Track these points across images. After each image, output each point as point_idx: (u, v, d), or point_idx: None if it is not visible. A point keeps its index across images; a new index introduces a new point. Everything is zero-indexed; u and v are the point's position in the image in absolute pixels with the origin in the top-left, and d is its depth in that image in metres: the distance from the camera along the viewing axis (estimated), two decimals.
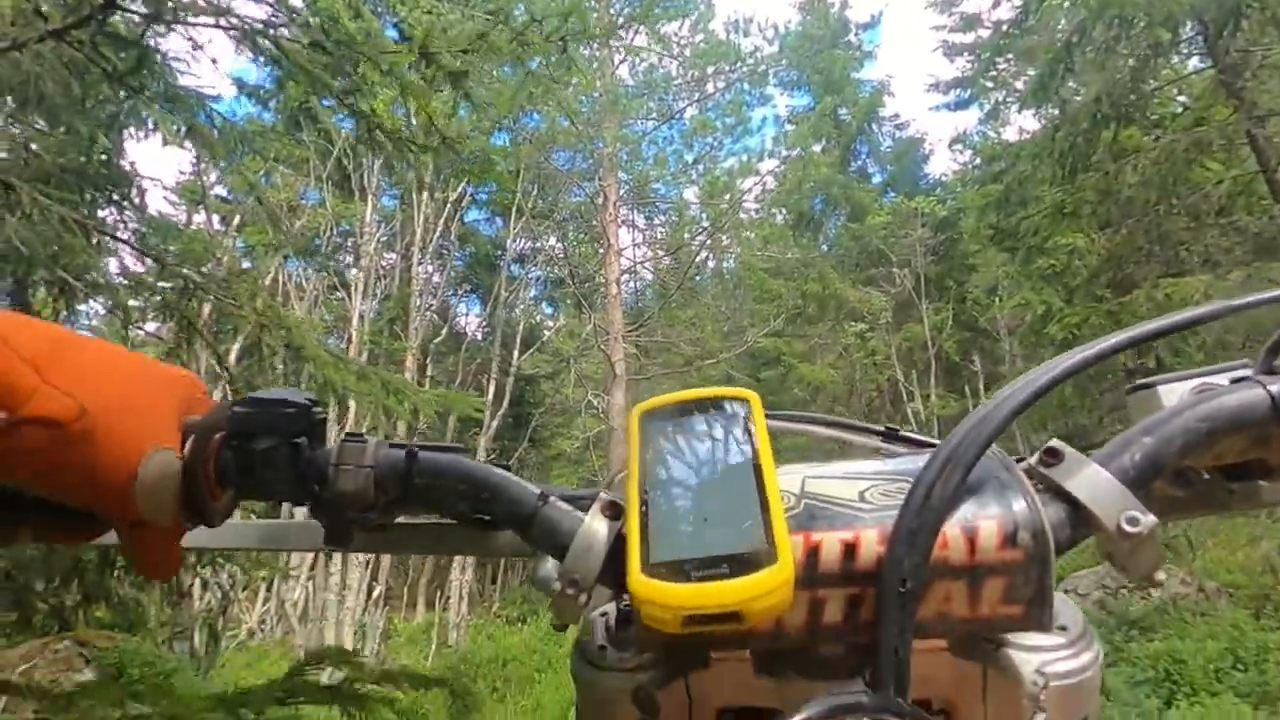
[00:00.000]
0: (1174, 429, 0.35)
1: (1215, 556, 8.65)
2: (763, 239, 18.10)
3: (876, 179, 20.84)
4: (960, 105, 19.11)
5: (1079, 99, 6.82)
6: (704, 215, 10.72)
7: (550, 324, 17.37)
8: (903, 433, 0.51)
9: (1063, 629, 0.37)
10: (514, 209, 9.05)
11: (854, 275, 17.86)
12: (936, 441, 0.44)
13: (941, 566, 0.32)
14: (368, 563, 6.91)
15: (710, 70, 9.70)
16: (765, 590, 0.29)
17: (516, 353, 9.77)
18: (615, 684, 0.37)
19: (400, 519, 0.44)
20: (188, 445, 0.37)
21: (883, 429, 0.51)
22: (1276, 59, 5.31)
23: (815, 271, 17.79)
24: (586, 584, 0.35)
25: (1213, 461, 0.39)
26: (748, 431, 0.36)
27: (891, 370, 16.49)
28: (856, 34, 20.06)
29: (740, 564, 0.30)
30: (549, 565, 0.37)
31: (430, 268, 11.22)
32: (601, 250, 9.93)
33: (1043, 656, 0.36)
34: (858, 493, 0.35)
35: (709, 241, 10.31)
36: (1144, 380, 0.42)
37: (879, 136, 21.05)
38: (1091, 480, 0.34)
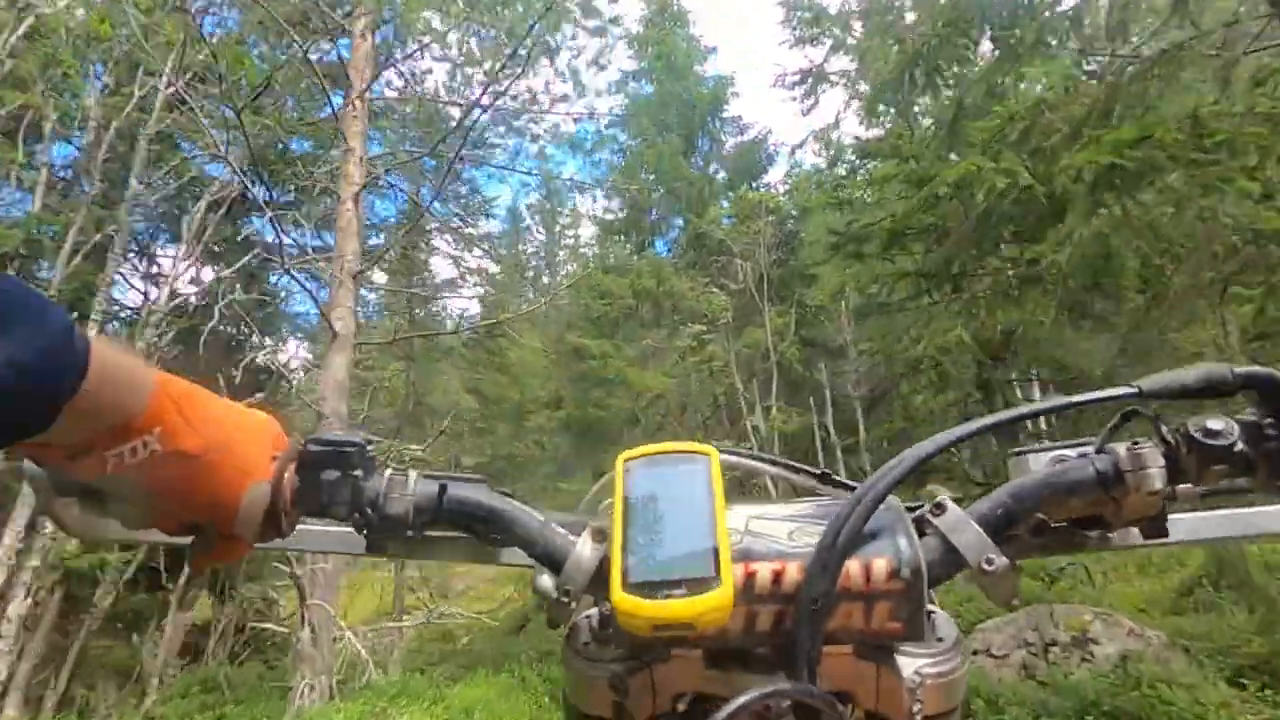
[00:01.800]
0: (1026, 492, 0.46)
1: (1118, 590, 7.05)
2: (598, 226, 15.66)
3: (720, 178, 19.27)
4: (806, 101, 18.11)
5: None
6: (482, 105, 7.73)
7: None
8: (833, 476, 0.60)
9: (940, 640, 0.46)
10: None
11: (693, 274, 15.94)
12: (855, 485, 0.51)
13: (845, 592, 0.42)
14: None
15: None
16: (712, 608, 0.39)
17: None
18: (597, 672, 0.46)
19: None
20: (274, 472, 0.47)
21: (818, 471, 0.60)
22: None
23: (647, 262, 15.75)
24: (577, 594, 0.45)
25: (1066, 515, 0.48)
26: (708, 480, 0.45)
27: (731, 379, 14.54)
28: None
29: (695, 586, 0.39)
30: (545, 577, 0.47)
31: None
32: (340, 152, 6.75)
33: (921, 661, 0.44)
34: (787, 533, 0.44)
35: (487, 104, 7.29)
36: (1020, 449, 0.51)
37: (722, 135, 19.64)
38: (963, 529, 0.45)
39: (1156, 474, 0.44)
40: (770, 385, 14.40)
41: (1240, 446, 0.44)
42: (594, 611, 0.48)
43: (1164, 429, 0.46)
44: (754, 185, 19.04)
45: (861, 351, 14.25)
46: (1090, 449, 0.47)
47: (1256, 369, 0.44)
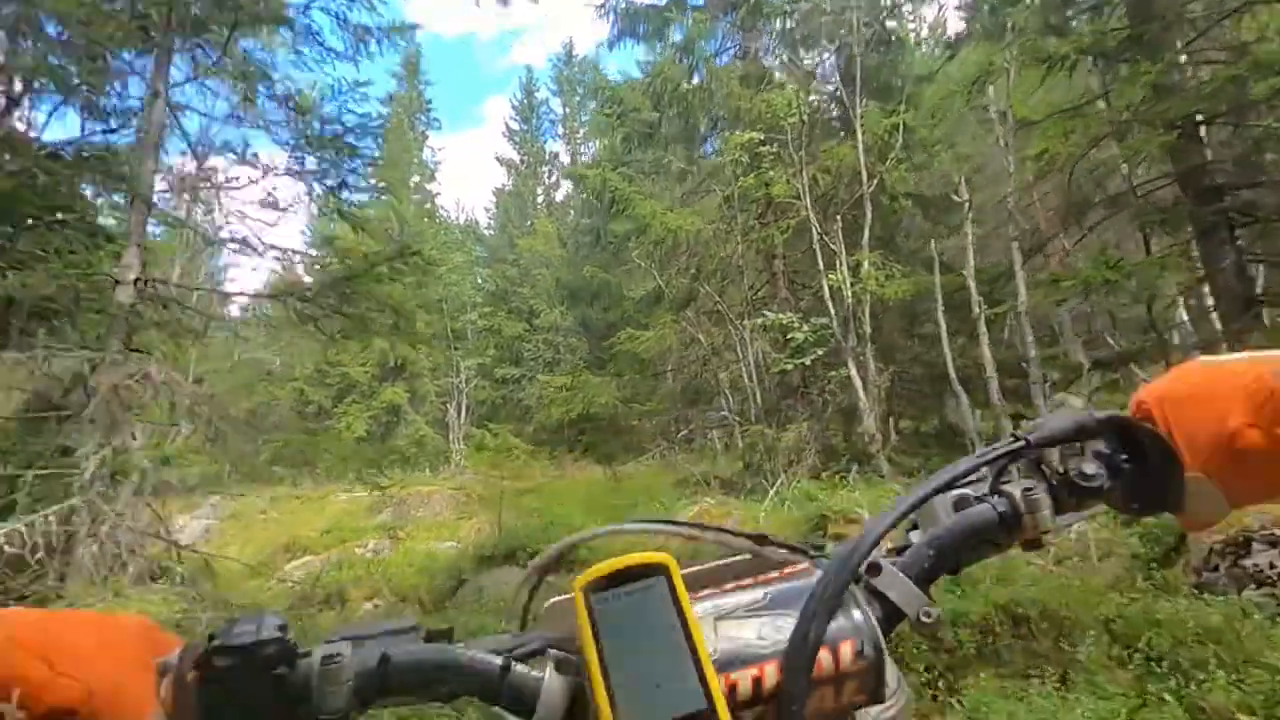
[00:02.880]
0: (945, 543, 0.50)
1: None
2: None
3: None
4: None
5: None
6: None
7: None
8: (771, 538, 0.55)
9: (887, 686, 0.46)
10: None
11: (746, 65, 10.68)
12: (804, 547, 0.52)
13: (816, 681, 0.43)
14: None
15: None
16: None
17: None
18: None
19: None
20: (165, 693, 0.40)
21: (753, 535, 0.54)
22: None
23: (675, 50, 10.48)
24: None
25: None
26: (674, 598, 0.43)
27: (798, 217, 9.53)
28: None
29: None
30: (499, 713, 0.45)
31: None
32: None
33: (876, 709, 0.45)
34: (756, 632, 0.44)
35: None
36: (928, 490, 0.53)
37: None
38: (901, 588, 0.47)
39: (1048, 514, 0.50)
40: (861, 229, 9.37)
41: (1106, 483, 0.51)
42: None
43: (1048, 472, 0.52)
44: None
45: (1031, 177, 9.01)
46: (985, 489, 0.52)
47: (1113, 413, 0.51)
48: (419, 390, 27.66)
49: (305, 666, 0.43)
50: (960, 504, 0.51)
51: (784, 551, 0.53)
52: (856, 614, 0.44)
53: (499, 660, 0.44)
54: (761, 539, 0.54)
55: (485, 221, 32.33)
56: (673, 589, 0.43)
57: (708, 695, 0.39)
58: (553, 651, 0.45)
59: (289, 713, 0.42)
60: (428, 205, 31.04)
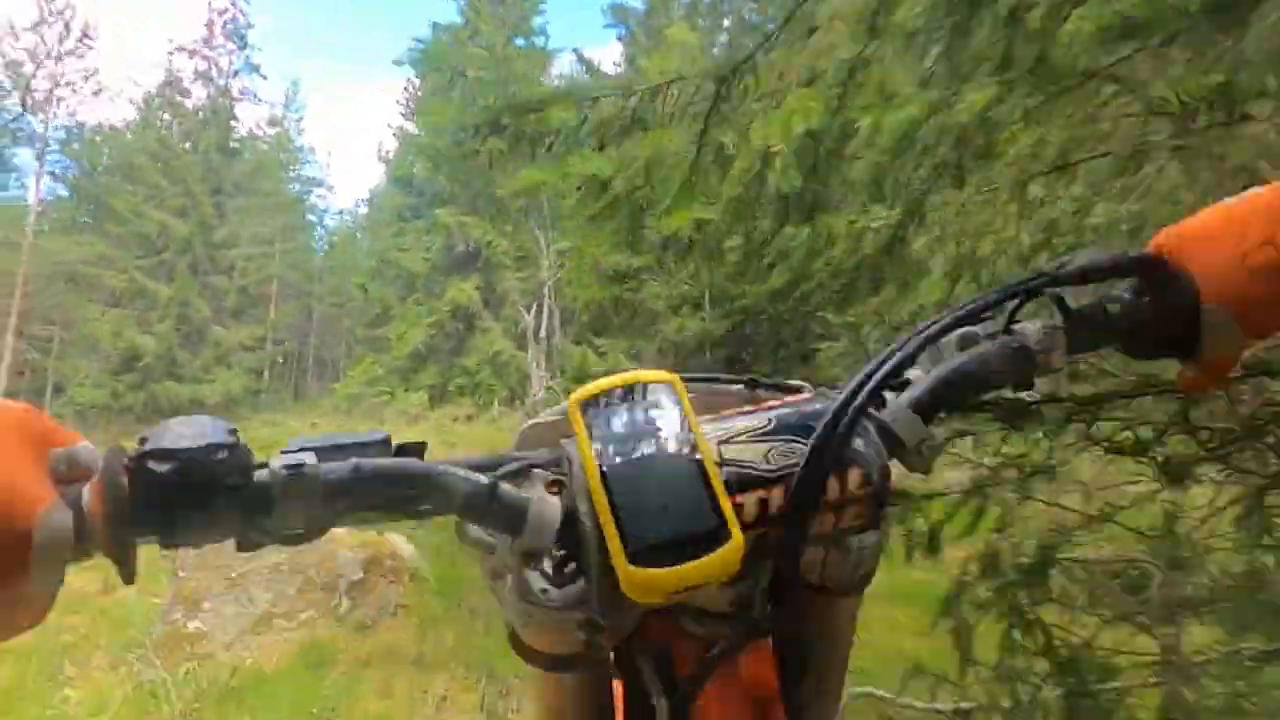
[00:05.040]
0: (949, 379, 0.48)
1: None
2: None
3: None
4: None
5: None
6: None
7: None
8: (760, 380, 0.54)
9: None
10: None
11: None
12: (795, 383, 0.52)
13: (822, 503, 0.43)
14: None
15: None
16: (726, 563, 0.38)
17: None
18: (565, 618, 0.42)
19: None
20: (87, 502, 0.34)
21: (745, 379, 0.54)
22: None
23: None
24: (542, 555, 0.41)
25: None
26: (680, 416, 0.42)
27: None
28: None
29: (703, 543, 0.38)
30: (478, 532, 0.42)
31: None
32: None
33: (870, 535, 0.46)
34: (763, 455, 0.43)
35: None
36: (924, 326, 0.51)
37: None
38: (904, 419, 0.46)
39: (1060, 353, 0.49)
40: None
41: (1124, 323, 0.50)
42: (544, 558, 0.43)
43: (1071, 309, 0.50)
44: None
45: None
46: (994, 327, 0.50)
47: (1143, 253, 0.50)
48: (498, 286, 19.28)
49: (264, 477, 0.37)
50: (967, 341, 0.50)
51: (779, 394, 0.51)
52: (861, 442, 0.44)
53: (485, 479, 0.41)
54: (753, 382, 0.52)
55: (611, 69, 22.46)
56: (679, 404, 0.42)
57: (719, 514, 0.38)
58: (539, 471, 0.43)
59: (242, 530, 0.37)
60: (529, 52, 21.83)
